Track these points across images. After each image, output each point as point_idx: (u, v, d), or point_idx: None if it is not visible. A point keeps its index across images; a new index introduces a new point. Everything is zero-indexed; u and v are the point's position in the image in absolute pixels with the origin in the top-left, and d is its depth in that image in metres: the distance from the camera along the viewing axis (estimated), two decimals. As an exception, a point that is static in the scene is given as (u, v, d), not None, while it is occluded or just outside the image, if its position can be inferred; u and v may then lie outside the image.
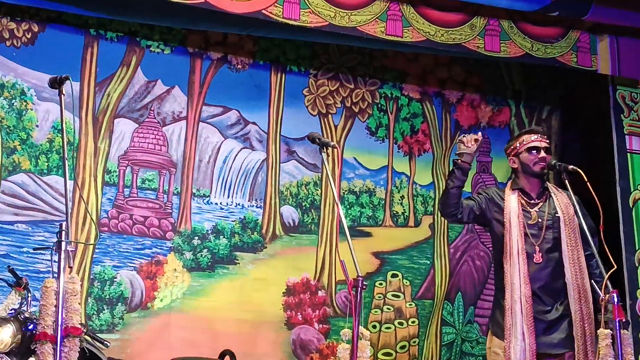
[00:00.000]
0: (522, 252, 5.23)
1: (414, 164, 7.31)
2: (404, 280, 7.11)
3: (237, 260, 6.73)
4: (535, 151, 5.41)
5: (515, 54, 6.90)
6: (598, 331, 4.87)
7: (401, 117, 7.31)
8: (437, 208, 7.21)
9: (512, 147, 5.51)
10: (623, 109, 7.25)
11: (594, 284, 4.96)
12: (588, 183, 5.05)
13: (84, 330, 4.68)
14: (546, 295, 5.26)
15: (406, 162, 7.30)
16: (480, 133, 5.37)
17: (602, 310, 4.87)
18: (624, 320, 4.80)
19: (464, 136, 5.34)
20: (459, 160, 5.31)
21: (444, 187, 5.46)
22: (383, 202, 7.18)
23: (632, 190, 7.11)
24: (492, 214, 5.45)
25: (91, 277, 6.31)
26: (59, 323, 4.03)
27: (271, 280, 6.80)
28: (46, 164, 6.27)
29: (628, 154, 7.18)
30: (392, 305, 7.03)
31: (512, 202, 5.37)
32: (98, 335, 5.32)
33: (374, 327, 6.92)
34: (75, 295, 4.44)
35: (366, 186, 7.16)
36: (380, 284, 7.04)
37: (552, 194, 5.43)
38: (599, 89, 7.33)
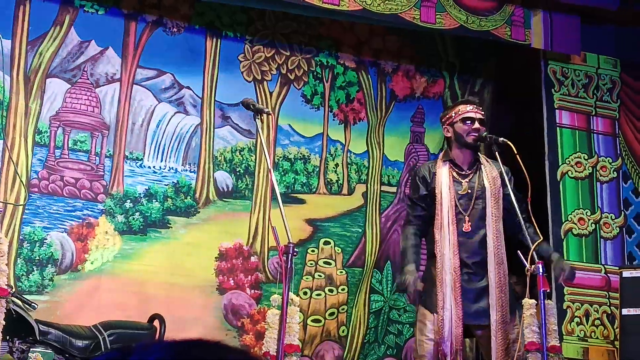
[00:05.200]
0: (452, 223, 5.27)
1: (349, 132, 7.33)
2: (336, 248, 7.15)
3: (170, 224, 6.71)
4: (469, 122, 5.43)
5: (450, 26, 6.96)
6: (523, 301, 4.98)
7: (337, 85, 7.32)
8: (370, 176, 7.28)
9: (447, 116, 5.54)
10: (554, 83, 7.35)
11: (520, 254, 5.03)
12: (518, 155, 5.13)
13: (11, 292, 4.66)
14: (475, 264, 5.33)
15: (341, 130, 7.32)
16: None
17: (527, 281, 4.97)
18: (548, 290, 4.92)
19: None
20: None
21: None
22: (317, 169, 7.20)
23: (560, 163, 7.23)
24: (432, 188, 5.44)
25: (20, 237, 6.25)
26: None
27: (203, 245, 6.79)
28: (-25, 123, 6.18)
29: (557, 128, 7.29)
30: (324, 273, 7.07)
31: (442, 174, 5.38)
32: (26, 297, 5.29)
33: (305, 293, 6.96)
34: (2, 256, 4.42)
35: (301, 153, 7.17)
36: (313, 251, 7.07)
37: (482, 165, 5.49)
38: (531, 63, 7.43)
